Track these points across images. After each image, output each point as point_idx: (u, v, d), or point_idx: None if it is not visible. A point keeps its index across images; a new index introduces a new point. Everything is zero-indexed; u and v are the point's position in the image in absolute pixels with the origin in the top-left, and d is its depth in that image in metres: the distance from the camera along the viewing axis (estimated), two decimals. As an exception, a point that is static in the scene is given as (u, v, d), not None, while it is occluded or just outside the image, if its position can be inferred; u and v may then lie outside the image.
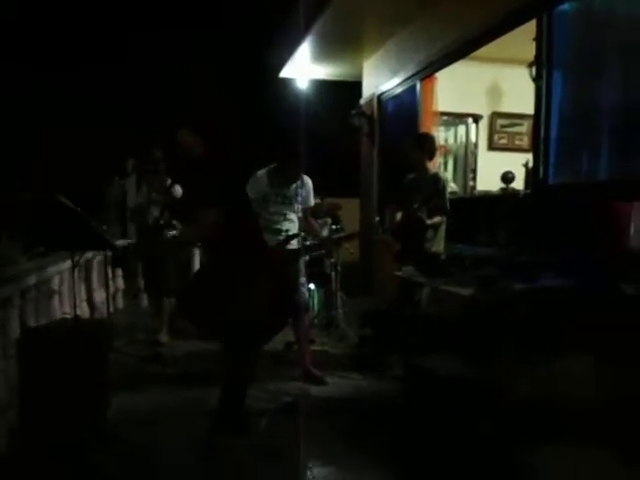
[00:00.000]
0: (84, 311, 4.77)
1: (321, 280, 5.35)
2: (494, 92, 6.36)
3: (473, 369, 2.56)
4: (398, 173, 4.66)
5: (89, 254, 4.92)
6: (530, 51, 3.94)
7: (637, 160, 3.16)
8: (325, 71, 7.69)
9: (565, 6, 3.57)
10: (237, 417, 3.02)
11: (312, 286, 5.20)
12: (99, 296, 5.44)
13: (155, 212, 4.70)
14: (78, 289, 4.43)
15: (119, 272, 6.49)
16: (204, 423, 3.05)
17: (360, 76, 7.40)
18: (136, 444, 2.88)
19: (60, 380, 2.86)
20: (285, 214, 3.73)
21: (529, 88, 4.05)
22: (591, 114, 3.49)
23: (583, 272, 2.72)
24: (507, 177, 4.97)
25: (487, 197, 5.28)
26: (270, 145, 3.84)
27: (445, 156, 6.67)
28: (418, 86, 5.83)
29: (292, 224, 3.75)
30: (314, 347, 4.47)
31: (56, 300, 3.93)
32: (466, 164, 6.60)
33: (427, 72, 5.62)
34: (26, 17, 10.56)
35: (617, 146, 3.33)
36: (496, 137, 6.53)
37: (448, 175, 6.47)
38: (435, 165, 5.07)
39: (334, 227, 5.71)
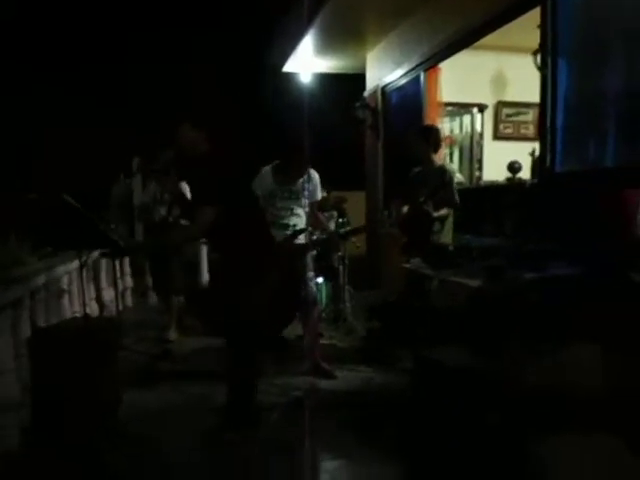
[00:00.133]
0: (93, 310, 4.81)
1: (329, 274, 5.35)
2: (499, 81, 6.29)
3: (482, 360, 2.55)
4: (403, 165, 4.64)
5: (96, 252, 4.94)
6: (535, 39, 3.88)
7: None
8: (328, 64, 7.64)
9: (569, -8, 3.54)
10: (247, 412, 3.03)
11: (320, 280, 5.21)
12: (108, 294, 5.47)
13: (162, 211, 4.71)
14: (87, 288, 4.46)
15: (127, 270, 6.52)
16: (214, 419, 3.07)
17: (363, 68, 7.36)
18: (147, 441, 2.90)
19: (71, 379, 2.88)
20: (292, 209, 3.74)
21: (534, 76, 4.00)
22: (597, 101, 3.45)
23: (591, 261, 2.70)
24: (514, 167, 4.92)
25: (494, 187, 5.24)
26: (274, 141, 3.83)
27: (451, 147, 6.63)
28: (422, 77, 5.79)
29: (299, 219, 3.75)
30: (322, 341, 4.47)
31: (65, 299, 3.96)
32: (472, 154, 6.54)
33: (431, 63, 5.57)
34: (26, 17, 10.56)
35: (624, 133, 3.29)
36: (502, 126, 6.47)
37: (454, 166, 6.44)
38: (441, 157, 5.04)
39: (340, 220, 5.71)
